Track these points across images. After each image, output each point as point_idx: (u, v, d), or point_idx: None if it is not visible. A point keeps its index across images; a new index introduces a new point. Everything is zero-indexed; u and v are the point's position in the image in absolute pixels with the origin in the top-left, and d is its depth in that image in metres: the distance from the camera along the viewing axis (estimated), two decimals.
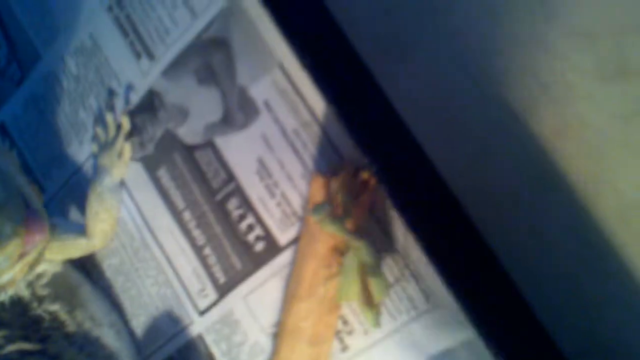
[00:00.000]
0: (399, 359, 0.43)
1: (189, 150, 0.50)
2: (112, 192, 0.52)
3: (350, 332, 0.44)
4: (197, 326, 0.52)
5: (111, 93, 0.53)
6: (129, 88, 0.53)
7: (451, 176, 0.43)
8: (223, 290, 0.50)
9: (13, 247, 0.45)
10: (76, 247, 0.53)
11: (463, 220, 0.42)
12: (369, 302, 0.40)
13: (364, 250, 0.40)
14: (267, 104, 0.46)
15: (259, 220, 0.47)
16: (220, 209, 0.49)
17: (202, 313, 0.52)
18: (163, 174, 0.52)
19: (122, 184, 0.54)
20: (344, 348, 0.45)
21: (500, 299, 0.42)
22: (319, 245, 0.43)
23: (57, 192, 0.60)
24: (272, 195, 0.47)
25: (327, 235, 0.42)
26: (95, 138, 0.54)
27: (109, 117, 0.53)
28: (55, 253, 0.52)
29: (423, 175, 0.44)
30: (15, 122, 0.63)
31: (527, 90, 0.40)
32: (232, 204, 0.49)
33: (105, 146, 0.53)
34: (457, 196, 0.43)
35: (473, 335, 0.39)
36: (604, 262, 0.40)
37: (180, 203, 0.52)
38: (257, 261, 0.48)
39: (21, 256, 0.46)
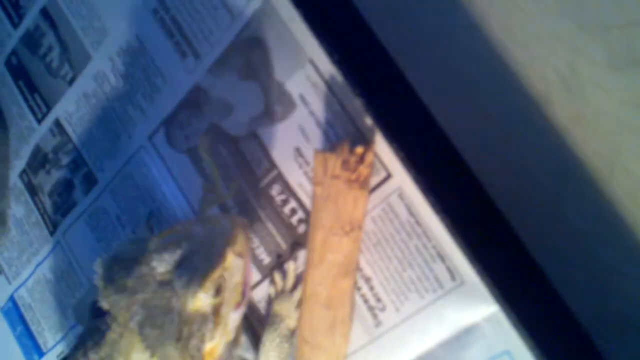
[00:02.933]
0: (428, 333, 0.46)
1: (234, 142, 0.54)
2: (288, 340, 0.52)
3: (383, 309, 0.48)
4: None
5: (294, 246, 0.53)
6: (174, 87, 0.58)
7: (474, 160, 0.46)
8: (266, 271, 0.54)
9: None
10: None
11: (485, 201, 0.46)
12: None
13: None
14: (302, 97, 0.50)
15: (300, 204, 0.51)
16: (264, 195, 0.53)
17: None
18: (208, 164, 0.56)
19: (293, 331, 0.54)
20: (378, 324, 0.48)
21: (521, 275, 0.45)
22: (326, 216, 0.47)
23: (109, 183, 0.64)
24: (310, 180, 0.50)
25: (331, 207, 0.46)
26: (272, 284, 0.54)
27: (291, 266, 0.53)
28: None
29: (447, 160, 0.47)
30: (69, 118, 0.68)
31: (545, 81, 0.43)
32: (275, 190, 0.52)
33: (283, 295, 0.53)
34: (479, 178, 0.46)
35: (495, 310, 0.43)
36: (618, 238, 0.43)
37: (224, 192, 0.56)
38: (301, 241, 0.52)
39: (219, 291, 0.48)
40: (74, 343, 0.51)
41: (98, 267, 0.48)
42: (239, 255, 0.48)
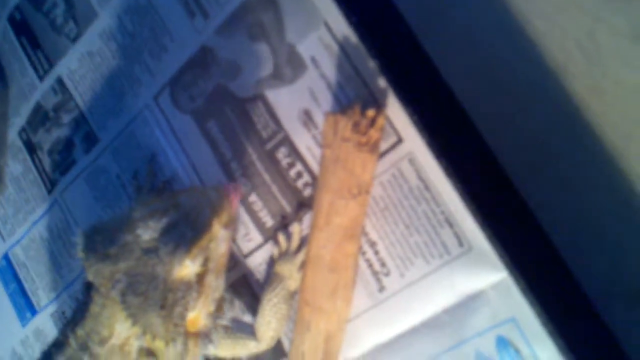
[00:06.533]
0: (432, 299, 0.46)
1: (240, 103, 0.54)
2: (286, 302, 0.52)
3: (387, 274, 0.48)
4: (241, 268, 0.56)
5: (301, 205, 0.52)
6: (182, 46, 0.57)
7: (487, 127, 0.45)
8: (269, 234, 0.54)
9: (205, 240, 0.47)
10: (245, 347, 0.53)
11: (496, 169, 0.45)
12: None
13: None
14: (313, 60, 0.50)
15: (307, 168, 0.51)
16: (270, 157, 0.53)
17: (246, 256, 0.55)
18: (212, 126, 0.56)
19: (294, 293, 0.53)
20: (381, 288, 0.48)
21: (529, 244, 0.45)
22: (333, 179, 0.46)
23: (112, 142, 0.64)
24: (319, 144, 0.50)
25: (340, 170, 0.46)
26: (276, 245, 0.53)
27: (296, 228, 0.52)
28: (226, 350, 0.53)
29: (460, 127, 0.47)
30: (72, 75, 0.67)
31: (564, 51, 0.43)
32: (282, 153, 0.52)
33: (286, 256, 0.52)
34: (491, 145, 0.45)
35: (503, 276, 0.42)
36: (631, 212, 0.43)
37: (228, 154, 0.55)
38: (307, 203, 0.51)
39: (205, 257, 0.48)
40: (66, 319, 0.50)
41: (78, 239, 0.48)
42: (225, 226, 0.48)
